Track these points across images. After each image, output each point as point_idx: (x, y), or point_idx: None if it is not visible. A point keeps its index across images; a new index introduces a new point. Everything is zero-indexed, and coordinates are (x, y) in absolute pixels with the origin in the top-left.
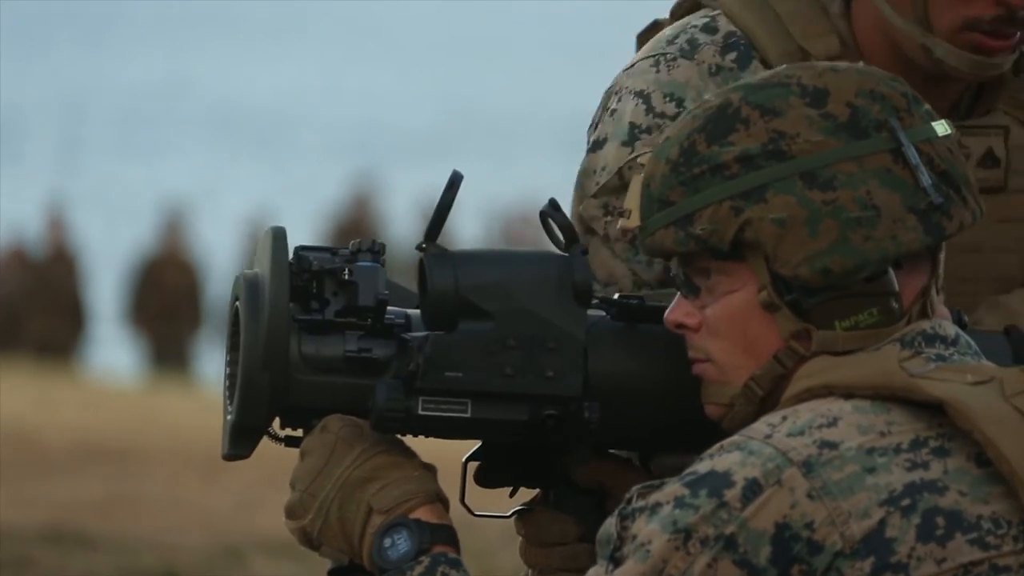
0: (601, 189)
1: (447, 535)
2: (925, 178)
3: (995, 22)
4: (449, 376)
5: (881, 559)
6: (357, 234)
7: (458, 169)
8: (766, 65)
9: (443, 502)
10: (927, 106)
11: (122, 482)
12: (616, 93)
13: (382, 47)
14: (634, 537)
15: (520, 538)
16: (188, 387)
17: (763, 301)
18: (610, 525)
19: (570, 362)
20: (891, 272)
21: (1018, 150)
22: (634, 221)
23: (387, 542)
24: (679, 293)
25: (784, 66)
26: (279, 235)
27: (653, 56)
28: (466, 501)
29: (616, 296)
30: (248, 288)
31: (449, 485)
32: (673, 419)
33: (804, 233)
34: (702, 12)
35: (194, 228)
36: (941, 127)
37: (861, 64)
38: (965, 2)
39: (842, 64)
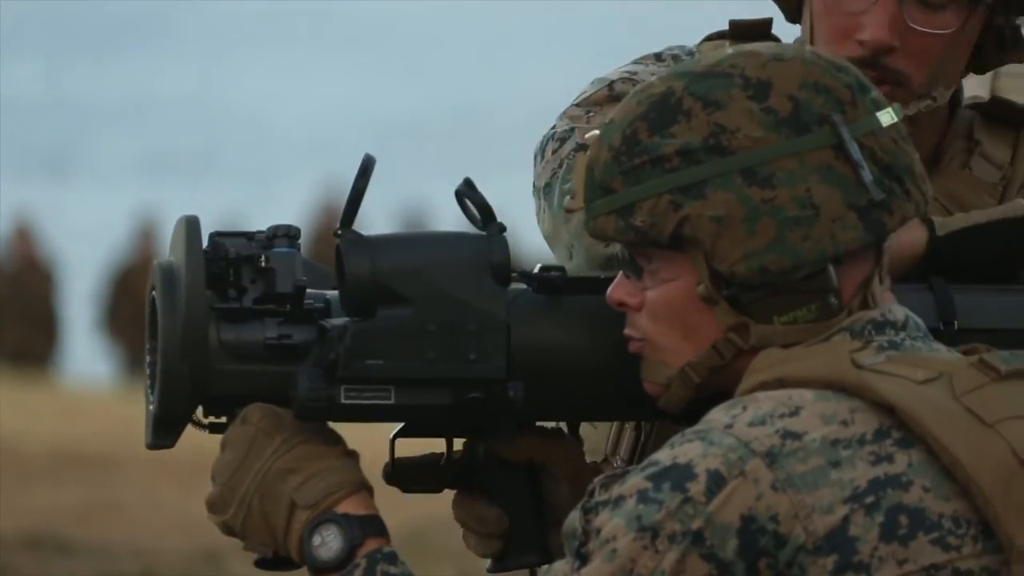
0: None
1: (377, 527)
2: (866, 174)
3: (860, 65)
4: (370, 364)
5: (844, 558)
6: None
7: (370, 153)
8: None
9: (368, 490)
10: (874, 93)
11: (101, 489)
12: (588, 83)
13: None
14: (598, 531)
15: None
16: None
17: (702, 294)
18: (574, 519)
19: (492, 344)
20: (830, 269)
21: None
22: (578, 202)
23: (316, 540)
24: (621, 272)
25: (730, 52)
26: (192, 223)
27: (639, 60)
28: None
29: (537, 269)
30: (163, 277)
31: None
32: (599, 390)
33: (742, 231)
34: (685, 48)
35: (168, 235)
36: (887, 115)
37: (808, 50)
38: (838, 41)
39: (789, 50)
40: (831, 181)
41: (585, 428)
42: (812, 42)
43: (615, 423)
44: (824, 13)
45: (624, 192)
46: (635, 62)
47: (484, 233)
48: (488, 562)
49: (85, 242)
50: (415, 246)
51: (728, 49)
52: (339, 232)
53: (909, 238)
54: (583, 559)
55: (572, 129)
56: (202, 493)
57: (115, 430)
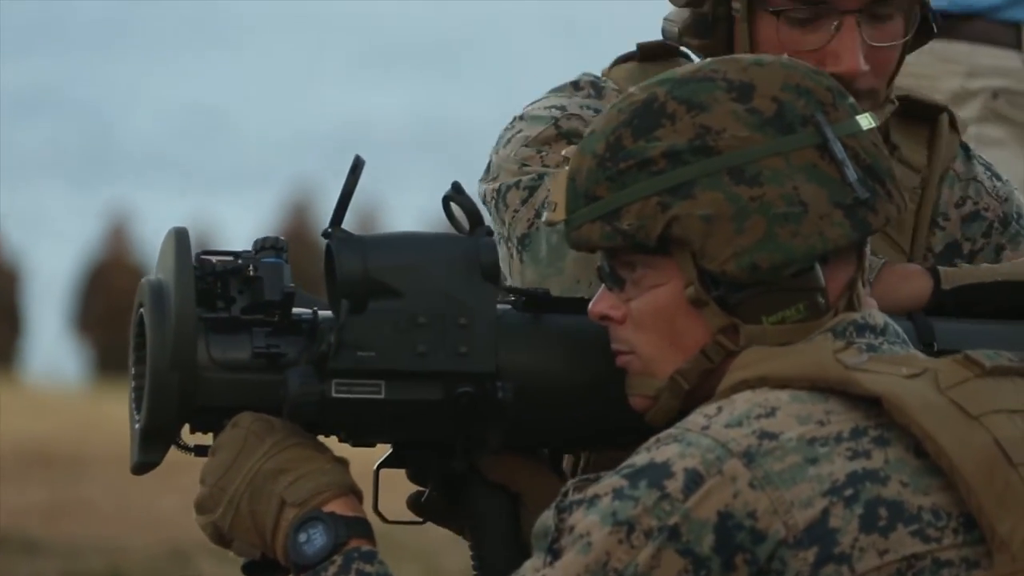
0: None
1: (362, 528)
2: (851, 173)
3: None
4: (361, 356)
5: (825, 549)
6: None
7: (360, 155)
8: None
9: (356, 494)
10: (851, 99)
11: (67, 487)
12: (520, 118)
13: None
14: (572, 529)
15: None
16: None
17: (690, 296)
18: (547, 518)
19: (482, 338)
20: (817, 267)
21: None
22: (559, 214)
23: (302, 537)
24: (603, 285)
25: (708, 60)
26: (182, 237)
27: (560, 91)
28: (379, 508)
29: (521, 288)
30: (152, 293)
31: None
32: (582, 412)
33: (731, 229)
34: (593, 75)
35: (139, 232)
36: (865, 120)
37: (785, 57)
38: None
39: (767, 57)
40: (817, 180)
41: None
42: None
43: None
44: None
45: (610, 198)
46: (554, 93)
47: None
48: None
49: (54, 240)
50: (406, 244)
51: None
52: (329, 231)
53: (914, 288)
54: (556, 554)
55: (540, 176)
56: (170, 492)
57: (82, 429)
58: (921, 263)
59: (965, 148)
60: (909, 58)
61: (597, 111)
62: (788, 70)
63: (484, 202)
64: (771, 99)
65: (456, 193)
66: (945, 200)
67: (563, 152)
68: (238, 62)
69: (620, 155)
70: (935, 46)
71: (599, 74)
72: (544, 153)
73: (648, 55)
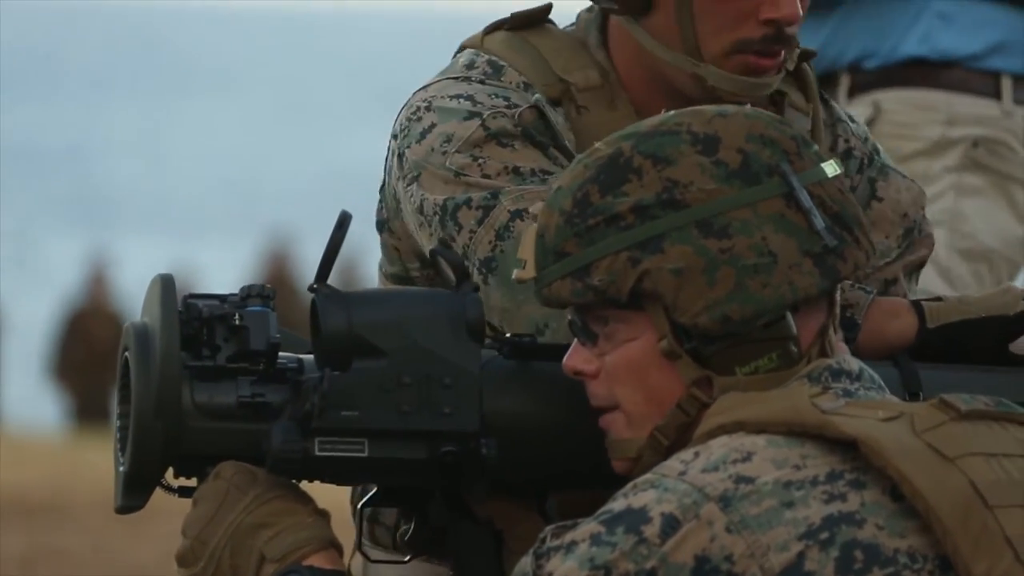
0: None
1: None
2: (818, 221)
3: (764, 41)
4: (345, 415)
5: None
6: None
7: (347, 209)
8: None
9: (337, 548)
10: (816, 147)
11: (46, 535)
12: (426, 108)
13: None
14: (550, 575)
15: None
16: (111, 437)
17: (664, 350)
18: (525, 564)
19: (466, 398)
20: (789, 317)
21: None
22: (529, 272)
23: None
24: (576, 340)
25: (671, 112)
26: (167, 282)
27: (457, 76)
28: (363, 548)
29: (508, 335)
30: (137, 337)
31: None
32: (568, 457)
33: (702, 282)
34: (468, 52)
35: (119, 280)
36: (831, 167)
37: (749, 107)
38: (733, 26)
39: (730, 108)
40: (785, 229)
41: None
42: (681, 41)
43: None
44: (712, 5)
45: (580, 254)
46: (450, 78)
47: (457, 292)
48: None
49: (34, 286)
50: (390, 301)
51: (506, 39)
52: (315, 287)
53: (899, 326)
54: None
55: (495, 195)
56: (149, 540)
57: (62, 477)
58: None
59: (821, 96)
60: (888, 106)
61: (506, 99)
62: (752, 120)
63: (411, 205)
64: (736, 150)
65: (443, 247)
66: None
67: (530, 210)
68: (222, 108)
69: (588, 211)
70: (914, 95)
71: (469, 47)
72: (481, 160)
73: (519, 23)
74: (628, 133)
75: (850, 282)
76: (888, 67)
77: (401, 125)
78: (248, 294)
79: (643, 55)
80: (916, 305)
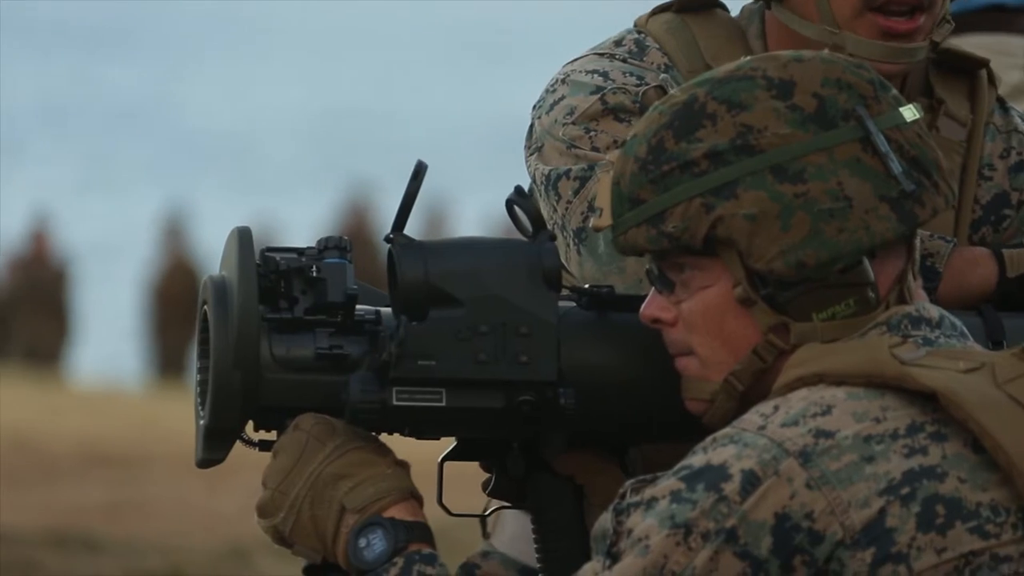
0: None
1: (422, 532)
2: (895, 165)
3: (901, 3)
4: (422, 365)
5: (882, 549)
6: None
7: (423, 159)
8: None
9: (417, 499)
10: (894, 91)
11: (127, 486)
12: (562, 80)
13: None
14: (630, 532)
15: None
16: (190, 391)
17: (739, 296)
18: (605, 520)
19: (544, 347)
20: (866, 262)
21: None
22: (605, 220)
23: (362, 542)
24: (653, 288)
25: (748, 58)
26: (245, 236)
27: (602, 53)
28: (443, 501)
29: (586, 286)
30: (215, 291)
31: (425, 487)
32: (646, 409)
33: (776, 227)
34: (626, 29)
35: (195, 235)
36: (909, 112)
37: (826, 52)
38: None
39: (808, 53)
40: (861, 174)
41: None
42: (818, 11)
43: None
44: None
45: (654, 201)
46: (596, 53)
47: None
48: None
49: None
50: (467, 250)
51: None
52: (391, 237)
53: (979, 275)
54: (614, 558)
55: (591, 167)
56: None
57: (141, 428)
58: (985, 246)
59: (1000, 101)
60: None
61: (640, 78)
62: (828, 65)
63: (531, 176)
64: (812, 95)
65: (519, 196)
66: (989, 152)
67: (607, 158)
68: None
69: (662, 158)
70: (993, 40)
71: (635, 25)
72: (593, 133)
73: (685, 6)
74: (704, 79)
75: (930, 232)
76: (965, 13)
77: (541, 96)
78: (325, 246)
79: (793, 37)
80: (997, 253)
